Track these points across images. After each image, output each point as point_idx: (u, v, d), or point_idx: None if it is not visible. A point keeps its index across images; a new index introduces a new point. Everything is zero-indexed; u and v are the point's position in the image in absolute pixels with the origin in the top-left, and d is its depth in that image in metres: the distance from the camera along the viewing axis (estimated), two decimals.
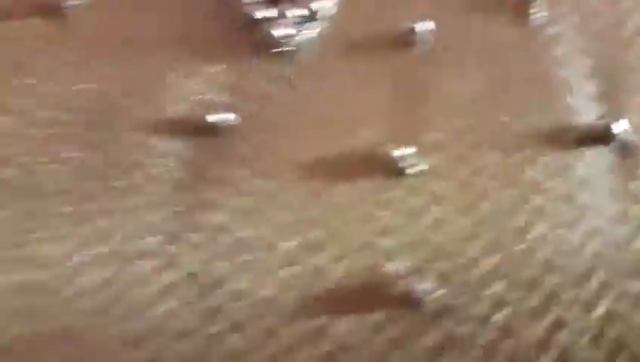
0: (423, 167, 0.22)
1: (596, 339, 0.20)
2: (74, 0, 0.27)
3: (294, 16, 0.25)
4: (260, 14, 0.25)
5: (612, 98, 0.24)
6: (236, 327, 0.20)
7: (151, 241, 0.21)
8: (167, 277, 0.21)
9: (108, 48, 0.26)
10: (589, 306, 0.20)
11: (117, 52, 0.26)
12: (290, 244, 0.21)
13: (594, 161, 0.23)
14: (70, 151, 0.23)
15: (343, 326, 0.20)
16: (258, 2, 0.25)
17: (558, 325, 0.20)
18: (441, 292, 0.20)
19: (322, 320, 0.20)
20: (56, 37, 0.26)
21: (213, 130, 0.24)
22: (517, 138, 0.23)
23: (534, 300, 0.20)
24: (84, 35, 0.26)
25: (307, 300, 0.20)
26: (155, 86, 0.25)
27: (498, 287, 0.20)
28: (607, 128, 0.23)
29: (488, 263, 0.21)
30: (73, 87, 0.25)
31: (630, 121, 0.23)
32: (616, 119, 0.23)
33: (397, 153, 0.22)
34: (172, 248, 0.21)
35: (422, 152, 0.23)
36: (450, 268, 0.21)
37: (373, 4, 0.27)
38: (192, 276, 0.21)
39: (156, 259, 0.21)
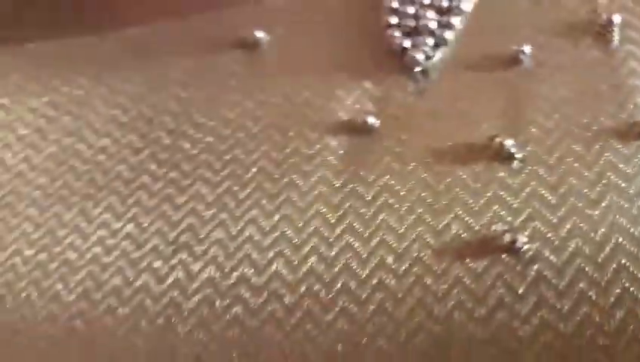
0: (524, 153, 0.30)
1: None
2: (260, 34, 0.37)
3: (428, 45, 0.34)
4: (406, 44, 0.34)
5: None
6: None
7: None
8: None
9: (289, 74, 0.35)
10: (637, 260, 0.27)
11: (297, 76, 0.35)
12: (420, 210, 0.29)
13: None
14: (269, 148, 0.33)
15: (456, 271, 0.27)
16: (399, 36, 0.35)
17: (618, 272, 0.26)
18: (534, 244, 0.27)
19: (439, 267, 0.28)
20: (247, 67, 0.36)
21: (365, 130, 0.32)
22: (595, 133, 0.30)
23: (600, 255, 0.27)
24: (269, 63, 0.36)
25: (434, 250, 0.28)
26: (327, 98, 0.34)
27: (573, 244, 0.27)
28: None
29: (569, 224, 0.28)
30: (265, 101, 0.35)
31: None
32: None
33: (507, 142, 0.30)
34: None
35: (524, 143, 0.30)
36: (541, 227, 0.28)
37: (485, 30, 0.35)
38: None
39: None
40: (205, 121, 0.34)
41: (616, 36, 0.33)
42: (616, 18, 0.33)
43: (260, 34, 0.36)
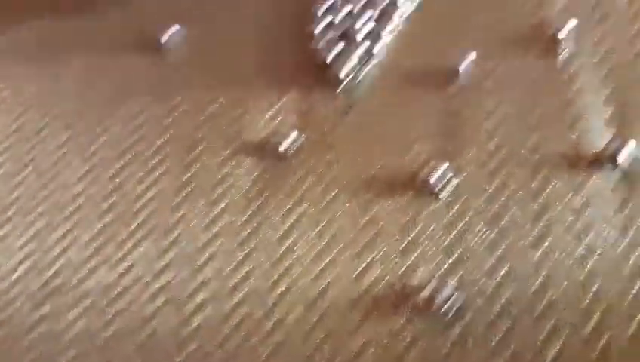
0: (457, 181, 0.26)
1: (588, 345, 0.22)
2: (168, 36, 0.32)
3: (357, 55, 0.30)
4: (330, 56, 0.30)
5: (623, 124, 0.27)
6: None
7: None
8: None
9: (198, 80, 0.31)
10: (584, 315, 0.23)
11: (207, 83, 0.31)
12: (340, 246, 0.25)
13: (603, 180, 0.26)
14: (172, 165, 0.29)
15: (371, 327, 0.24)
16: (328, 41, 0.30)
17: (557, 330, 0.23)
18: (463, 293, 0.24)
19: (354, 320, 0.24)
20: (152, 70, 0.32)
21: (285, 148, 0.28)
22: (541, 158, 0.26)
23: (538, 307, 0.23)
24: (181, 64, 0.32)
25: (343, 301, 0.24)
26: (238, 112, 0.30)
27: (508, 293, 0.24)
28: (617, 152, 0.26)
29: (506, 266, 0.24)
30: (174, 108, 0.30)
31: (638, 143, 0.26)
32: (626, 144, 0.26)
33: (440, 167, 0.26)
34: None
35: (458, 169, 0.27)
36: (473, 270, 0.24)
37: (421, 42, 0.31)
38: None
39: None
40: (100, 131, 0.30)
41: (566, 50, 0.29)
42: (567, 28, 0.29)
43: (173, 31, 0.32)
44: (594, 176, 0.26)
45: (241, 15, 0.33)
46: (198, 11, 0.33)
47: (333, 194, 0.27)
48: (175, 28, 0.32)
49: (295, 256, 0.26)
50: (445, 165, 0.27)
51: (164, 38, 0.32)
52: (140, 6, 0.34)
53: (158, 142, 0.29)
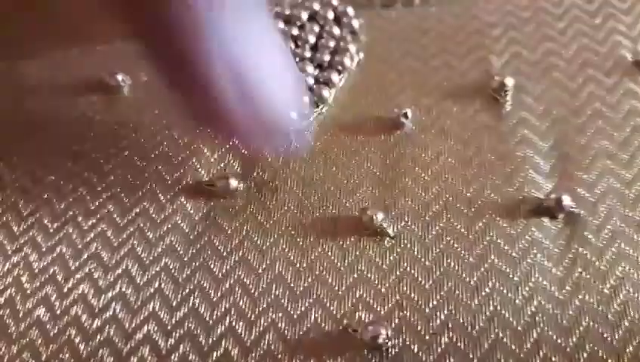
0: (398, 229, 0.26)
1: None
2: (125, 80, 0.32)
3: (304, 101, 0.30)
4: None
5: (564, 175, 0.27)
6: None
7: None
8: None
9: (145, 124, 0.31)
10: (527, 358, 0.23)
11: (157, 126, 0.31)
12: (278, 292, 0.25)
13: (541, 231, 0.26)
14: (113, 208, 0.28)
15: None
16: None
17: None
18: (400, 339, 0.24)
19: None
20: (101, 114, 0.31)
21: (227, 193, 0.28)
22: (479, 208, 0.27)
23: (477, 353, 0.23)
24: (128, 109, 0.31)
25: (280, 345, 0.24)
26: (183, 156, 0.29)
27: (446, 338, 0.24)
28: (556, 203, 0.26)
29: (443, 314, 0.24)
30: (118, 152, 0.30)
31: (577, 195, 0.26)
32: (566, 193, 0.26)
33: (379, 216, 0.26)
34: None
35: (398, 216, 0.27)
36: (410, 317, 0.24)
37: (368, 89, 0.31)
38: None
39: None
40: (43, 175, 0.29)
41: (508, 101, 0.30)
42: (509, 81, 0.30)
43: (121, 77, 0.32)
44: (532, 228, 0.26)
45: None
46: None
47: (273, 239, 0.27)
48: (123, 75, 0.32)
49: (232, 300, 0.25)
50: (384, 213, 0.26)
51: (114, 82, 0.32)
52: (94, 52, 0.34)
53: (100, 186, 0.29)
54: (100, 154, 0.30)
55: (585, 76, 0.30)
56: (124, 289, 0.26)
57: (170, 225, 0.27)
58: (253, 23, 0.21)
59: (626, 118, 0.29)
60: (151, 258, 0.27)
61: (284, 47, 0.24)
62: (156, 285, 0.26)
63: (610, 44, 0.31)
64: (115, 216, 0.28)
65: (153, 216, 0.28)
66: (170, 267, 0.26)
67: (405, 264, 0.26)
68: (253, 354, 0.24)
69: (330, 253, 0.26)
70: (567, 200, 0.26)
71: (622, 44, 0.31)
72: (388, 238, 0.26)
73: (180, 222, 0.28)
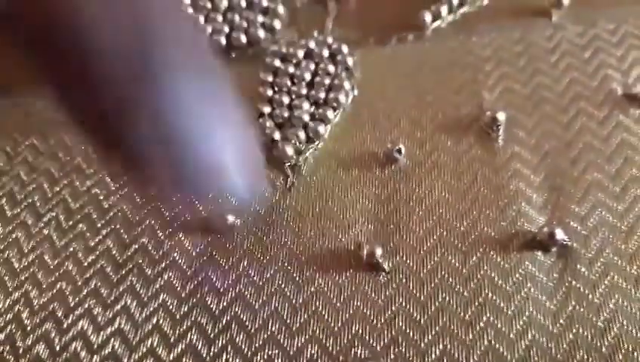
0: (393, 264, 0.27)
1: None
2: None
3: (299, 138, 0.30)
4: (276, 135, 0.31)
5: (556, 208, 0.28)
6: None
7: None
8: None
9: None
10: None
11: None
12: (275, 328, 0.26)
13: (535, 264, 0.26)
14: (112, 248, 0.29)
15: None
16: (271, 126, 0.31)
17: None
18: None
19: None
20: None
21: (224, 228, 0.28)
22: (473, 242, 0.27)
23: None
24: None
25: None
26: None
27: None
28: (550, 235, 0.26)
29: (437, 350, 0.24)
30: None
31: (569, 228, 0.27)
32: (558, 226, 0.26)
33: (373, 253, 0.26)
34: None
35: (393, 251, 0.27)
36: (406, 353, 0.24)
37: (362, 125, 0.31)
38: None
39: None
40: (44, 211, 0.30)
41: (500, 135, 0.30)
42: (501, 116, 0.30)
43: None
44: (526, 261, 0.26)
45: None
46: None
47: (269, 274, 0.27)
48: None
49: (229, 336, 0.26)
50: (381, 248, 0.27)
51: None
52: None
53: (100, 223, 0.29)
54: (100, 190, 0.30)
55: (576, 109, 0.31)
56: (122, 326, 0.26)
57: (168, 262, 0.28)
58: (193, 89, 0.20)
59: (617, 150, 0.29)
60: (149, 294, 0.27)
61: (243, 122, 0.24)
62: (154, 321, 0.26)
63: (601, 78, 0.32)
64: (114, 252, 0.28)
65: (152, 252, 0.28)
66: (169, 303, 0.27)
67: (400, 299, 0.26)
68: None
69: (326, 289, 0.26)
70: (559, 233, 0.26)
71: (612, 77, 0.32)
72: (383, 273, 0.26)
73: (177, 258, 0.28)
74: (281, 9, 0.36)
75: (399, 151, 0.29)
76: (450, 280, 0.26)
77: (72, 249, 0.29)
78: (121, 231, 0.29)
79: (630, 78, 0.32)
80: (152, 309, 0.27)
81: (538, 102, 0.31)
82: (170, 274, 0.28)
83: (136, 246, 0.28)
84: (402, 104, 0.32)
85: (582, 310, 0.25)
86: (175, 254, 0.28)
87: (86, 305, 0.27)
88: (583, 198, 0.28)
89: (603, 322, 0.25)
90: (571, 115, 0.31)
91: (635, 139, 0.29)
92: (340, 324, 0.25)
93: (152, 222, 0.29)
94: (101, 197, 0.30)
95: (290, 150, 0.30)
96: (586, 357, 0.24)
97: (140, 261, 0.28)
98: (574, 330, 0.24)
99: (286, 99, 0.32)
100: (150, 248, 0.28)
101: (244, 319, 0.26)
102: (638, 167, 0.29)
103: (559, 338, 0.24)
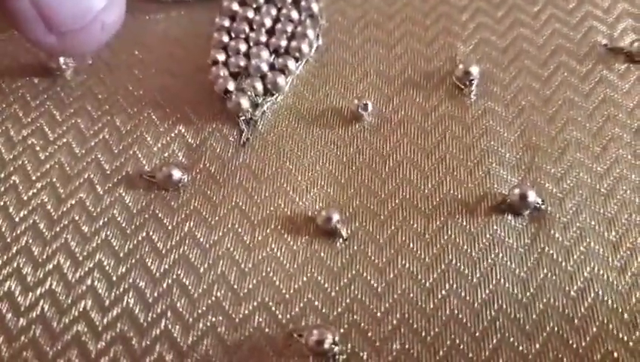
0: (351, 230, 0.24)
1: None
2: (68, 63, 0.30)
3: (256, 90, 0.28)
4: (230, 86, 0.28)
5: (530, 168, 0.25)
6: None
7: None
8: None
9: (89, 110, 0.29)
10: None
11: (98, 113, 0.29)
12: (220, 293, 0.24)
13: (504, 229, 0.24)
14: (47, 199, 0.26)
15: None
16: (225, 76, 0.28)
17: None
18: (349, 345, 0.22)
19: None
20: (47, 95, 0.29)
21: (170, 185, 0.26)
22: (437, 205, 0.25)
23: (432, 357, 0.22)
24: (77, 95, 0.29)
25: (221, 348, 0.23)
26: (125, 144, 0.27)
27: (398, 344, 0.22)
28: (522, 196, 0.24)
29: (394, 319, 0.22)
30: (55, 139, 0.28)
31: (544, 190, 0.25)
32: (531, 188, 0.24)
33: (333, 216, 0.24)
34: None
35: (352, 217, 0.25)
36: (361, 322, 0.23)
37: (326, 78, 0.29)
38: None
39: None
40: None
41: (473, 90, 0.28)
42: (475, 70, 0.28)
43: (63, 60, 0.30)
44: (494, 226, 0.24)
45: (142, 44, 0.31)
46: None
47: (217, 236, 0.25)
48: (66, 56, 0.30)
49: (169, 301, 0.24)
50: (339, 214, 0.24)
51: (56, 65, 0.30)
52: None
53: (35, 175, 0.27)
54: (37, 140, 0.28)
55: (557, 63, 0.28)
56: (54, 287, 0.24)
57: (106, 219, 0.26)
58: None
59: (599, 107, 0.27)
60: (85, 253, 0.25)
61: None
62: (89, 283, 0.24)
63: (585, 30, 0.29)
64: (49, 207, 0.26)
65: (89, 208, 0.26)
66: (105, 264, 0.25)
67: (358, 266, 0.24)
68: (190, 360, 0.23)
69: (279, 254, 0.24)
70: (532, 195, 0.24)
71: (597, 30, 0.29)
72: (341, 239, 0.24)
73: (117, 215, 0.26)
74: None
75: (365, 107, 0.27)
76: (412, 245, 0.24)
77: (1, 203, 0.26)
78: (58, 184, 0.27)
79: (616, 30, 0.29)
80: (86, 269, 0.25)
81: (516, 56, 0.29)
82: (109, 232, 0.25)
83: (73, 202, 0.26)
84: (370, 56, 0.29)
85: (554, 278, 0.23)
86: (115, 211, 0.26)
87: (15, 264, 0.25)
88: (559, 158, 0.26)
89: (576, 291, 0.23)
90: (551, 68, 0.28)
91: (618, 96, 0.27)
92: (291, 291, 0.23)
93: (92, 175, 0.27)
94: (37, 148, 0.28)
95: (245, 102, 0.27)
96: (556, 328, 0.22)
97: (77, 217, 0.26)
98: (545, 299, 0.23)
99: (243, 47, 0.29)
100: (88, 204, 0.26)
101: (187, 283, 0.24)
102: (621, 125, 0.26)
103: (528, 308, 0.22)
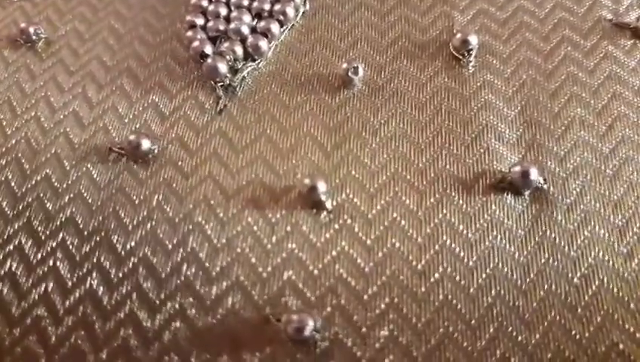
0: (338, 202, 0.22)
1: None
2: (40, 33, 0.28)
3: (236, 54, 0.26)
4: (207, 50, 0.26)
5: (532, 146, 0.24)
6: None
7: None
8: None
9: (59, 79, 0.27)
10: (481, 356, 0.20)
11: (68, 82, 0.26)
12: (190, 272, 0.22)
13: (503, 208, 0.22)
14: (11, 177, 0.24)
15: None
16: (202, 39, 0.26)
17: None
18: (333, 329, 0.20)
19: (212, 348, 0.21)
20: (17, 67, 0.27)
21: (140, 155, 0.24)
22: (432, 181, 0.23)
23: (425, 346, 0.20)
24: (42, 65, 0.27)
25: (194, 331, 0.21)
26: (97, 112, 0.25)
27: (386, 330, 0.20)
28: (523, 175, 0.22)
29: (382, 303, 0.20)
30: (24, 111, 0.26)
31: (546, 169, 0.23)
32: (533, 167, 0.22)
33: (315, 187, 0.22)
34: None
35: (339, 188, 0.23)
36: (345, 304, 0.21)
37: (313, 43, 0.27)
38: None
39: None
40: None
41: (472, 61, 0.26)
42: (473, 39, 0.26)
43: (33, 29, 0.28)
44: (493, 205, 0.22)
45: (117, 13, 0.29)
46: (62, 9, 0.29)
47: (188, 209, 0.22)
48: (35, 27, 0.28)
49: (134, 282, 0.22)
50: (324, 183, 0.22)
51: (27, 35, 0.28)
52: (3, 4, 0.30)
53: (0, 151, 0.25)
54: (3, 114, 0.26)
55: (559, 37, 0.26)
56: (14, 269, 0.22)
57: (72, 195, 0.23)
58: None
59: (603, 83, 0.25)
60: (47, 232, 0.23)
61: None
62: (50, 263, 0.22)
63: (590, 3, 0.27)
64: (13, 184, 0.24)
65: (55, 184, 0.24)
66: (68, 242, 0.22)
67: (343, 242, 0.22)
68: (155, 346, 0.20)
69: (255, 228, 0.22)
70: (534, 174, 0.22)
71: (602, 4, 0.27)
72: (325, 212, 0.22)
73: (83, 191, 0.23)
74: None
75: (355, 70, 0.25)
76: (403, 222, 0.22)
77: None
78: (23, 160, 0.24)
79: (622, 5, 0.27)
80: (49, 249, 0.22)
81: (517, 27, 0.27)
82: (74, 209, 0.23)
83: (38, 178, 0.24)
84: (361, 23, 0.27)
85: (556, 264, 0.21)
86: (81, 186, 0.23)
87: None
88: (562, 136, 0.24)
89: (580, 278, 0.21)
90: (554, 42, 0.26)
91: (624, 72, 0.25)
92: (269, 269, 0.21)
93: (59, 150, 0.24)
94: (4, 123, 0.25)
95: (223, 67, 0.25)
96: (558, 317, 0.20)
97: (42, 194, 0.23)
98: (546, 286, 0.21)
99: (223, 11, 0.27)
100: (54, 180, 0.24)
101: (155, 261, 0.22)
102: (628, 103, 0.25)
103: (528, 295, 0.21)
